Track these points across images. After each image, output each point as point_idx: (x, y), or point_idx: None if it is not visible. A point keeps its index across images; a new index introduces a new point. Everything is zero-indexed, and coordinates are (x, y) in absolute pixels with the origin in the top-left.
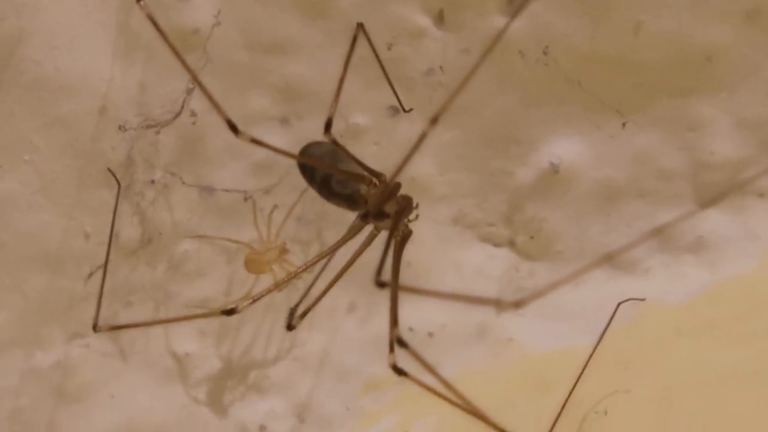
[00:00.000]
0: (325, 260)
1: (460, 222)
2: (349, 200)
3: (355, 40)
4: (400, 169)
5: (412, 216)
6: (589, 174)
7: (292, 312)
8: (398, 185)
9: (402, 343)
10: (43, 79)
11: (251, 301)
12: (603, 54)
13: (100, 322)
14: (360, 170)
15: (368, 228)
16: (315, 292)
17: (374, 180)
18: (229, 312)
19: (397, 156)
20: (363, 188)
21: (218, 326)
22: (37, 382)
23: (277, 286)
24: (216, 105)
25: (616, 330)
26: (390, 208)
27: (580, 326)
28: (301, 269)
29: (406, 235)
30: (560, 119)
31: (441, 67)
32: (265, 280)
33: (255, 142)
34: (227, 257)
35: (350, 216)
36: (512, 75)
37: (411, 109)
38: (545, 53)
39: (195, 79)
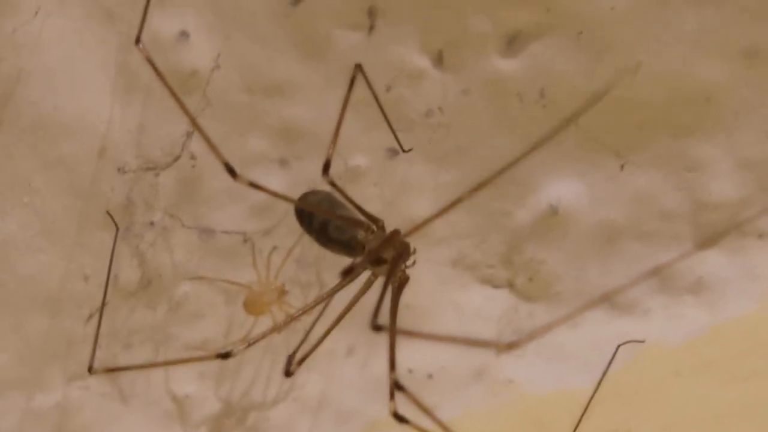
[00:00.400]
0: (323, 304)
1: (459, 263)
2: (346, 246)
3: (353, 81)
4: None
5: (409, 262)
6: (588, 215)
7: (290, 359)
8: (397, 231)
9: (400, 387)
10: (42, 120)
11: (247, 344)
12: (602, 94)
13: (97, 364)
14: (358, 216)
15: (367, 273)
16: (313, 336)
17: (372, 226)
18: (225, 356)
19: (396, 197)
20: (360, 234)
21: (217, 368)
22: (37, 424)
23: (276, 328)
24: (214, 148)
25: (615, 370)
26: (387, 254)
27: (579, 367)
28: (300, 312)
29: (404, 281)
30: (559, 160)
31: (440, 108)
32: (265, 322)
33: (253, 185)
34: (226, 299)
35: (349, 260)
36: (510, 116)
37: (410, 149)
38: (542, 95)
39: (193, 122)
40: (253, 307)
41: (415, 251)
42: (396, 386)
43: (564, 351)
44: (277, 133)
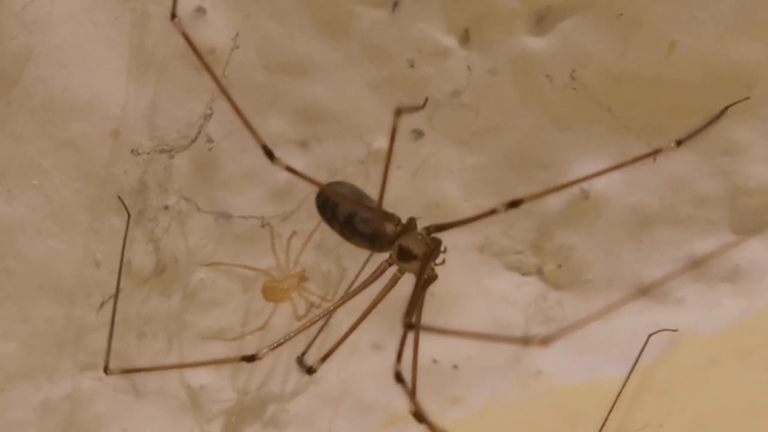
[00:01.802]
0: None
1: (486, 250)
2: (373, 240)
3: (394, 131)
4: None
5: (439, 260)
6: (620, 200)
7: (300, 359)
8: (428, 227)
9: (400, 379)
10: (53, 100)
11: (273, 347)
12: (634, 75)
13: (112, 362)
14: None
15: (392, 269)
16: (331, 331)
17: (401, 220)
18: (250, 359)
19: (420, 180)
20: (389, 228)
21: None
22: (46, 415)
23: (299, 318)
24: (251, 129)
25: (648, 361)
26: (418, 250)
27: (611, 358)
28: (325, 312)
29: (431, 279)
30: (590, 142)
31: (466, 88)
32: (284, 310)
33: (290, 170)
34: (244, 285)
35: (375, 255)
36: (539, 98)
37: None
38: (572, 77)
39: (233, 105)
40: (271, 293)
41: (445, 250)
42: (396, 377)
43: (595, 341)
44: (298, 113)
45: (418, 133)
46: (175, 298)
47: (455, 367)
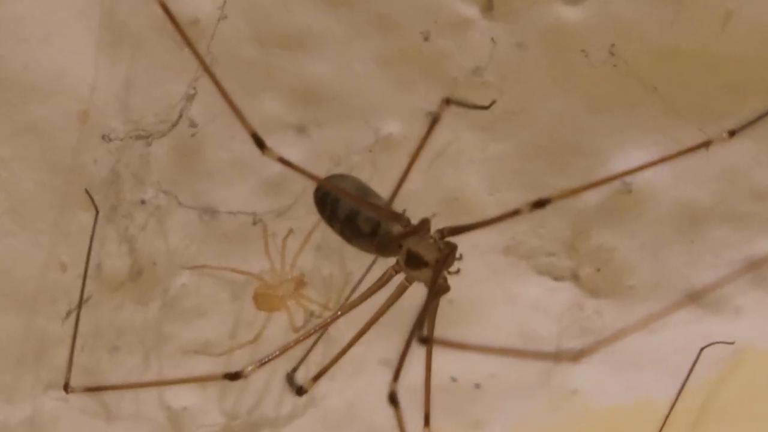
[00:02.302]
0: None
1: (513, 251)
2: (378, 242)
3: (434, 123)
4: None
5: (453, 268)
6: (667, 193)
7: (290, 376)
8: (442, 230)
9: (393, 401)
10: (12, 79)
11: (261, 363)
12: (683, 50)
13: (75, 381)
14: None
15: (398, 277)
16: (334, 344)
17: (411, 220)
18: (234, 376)
19: (436, 171)
20: (396, 229)
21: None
22: None
23: (294, 328)
24: (239, 114)
25: (700, 379)
26: (429, 255)
27: (658, 375)
28: (318, 327)
29: (442, 290)
30: (633, 128)
31: (490, 65)
32: (279, 320)
33: (283, 162)
34: (233, 292)
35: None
36: (574, 76)
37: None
38: (612, 52)
39: (217, 85)
40: (264, 301)
41: (461, 257)
42: (390, 399)
43: (639, 356)
44: (294, 94)
45: (434, 117)
46: (153, 306)
47: (477, 386)
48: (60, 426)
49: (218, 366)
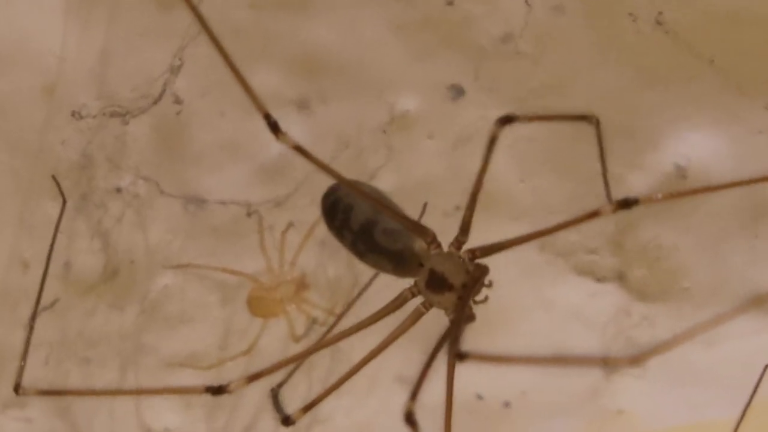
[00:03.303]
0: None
1: (548, 248)
2: (396, 258)
3: (492, 144)
4: None
5: (480, 296)
6: (728, 180)
7: (275, 393)
8: (473, 251)
9: (411, 421)
10: None
11: (251, 377)
12: (745, 15)
13: (27, 383)
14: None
15: (414, 301)
16: (341, 358)
17: (436, 237)
18: (217, 390)
19: (459, 155)
20: (419, 245)
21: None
22: None
23: (294, 337)
24: (250, 90)
25: (766, 398)
26: (455, 278)
27: (717, 393)
28: (324, 343)
29: (467, 320)
30: (688, 105)
31: (523, 32)
32: (277, 328)
33: (301, 152)
34: (223, 295)
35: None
36: (620, 44)
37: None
38: (660, 20)
39: (221, 51)
40: (260, 306)
41: (491, 284)
42: (407, 419)
43: (696, 370)
44: (295, 64)
45: (458, 91)
46: (131, 311)
47: (506, 404)
48: None
49: (206, 381)
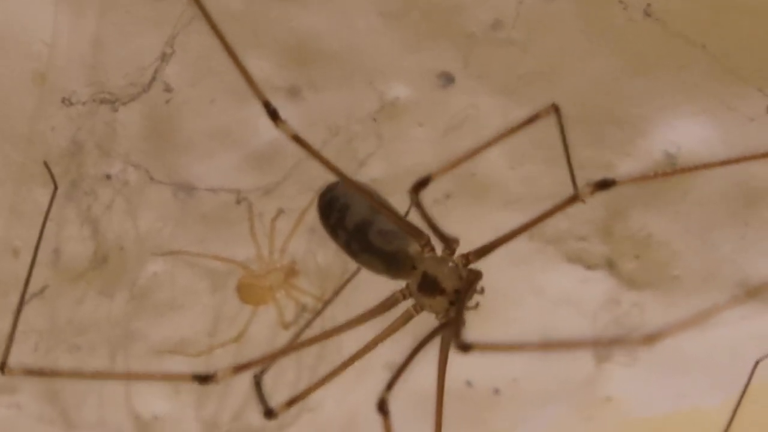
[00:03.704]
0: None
1: (538, 235)
2: (389, 260)
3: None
4: None
5: (472, 302)
6: (718, 169)
7: (257, 381)
8: (467, 255)
9: (383, 410)
10: None
11: (239, 367)
12: (737, 1)
13: (26, 382)
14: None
15: (405, 303)
16: (321, 349)
17: (430, 241)
18: (204, 379)
19: (450, 142)
20: (413, 248)
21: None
22: None
23: (284, 324)
24: (249, 78)
25: (757, 388)
26: (447, 283)
27: (706, 381)
28: (322, 334)
29: (456, 325)
30: (678, 92)
31: (513, 19)
32: (266, 315)
33: (298, 141)
34: (213, 283)
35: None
36: (610, 31)
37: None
38: (649, 9)
39: (220, 38)
40: (250, 293)
41: (483, 290)
42: (379, 407)
43: (684, 358)
44: (286, 51)
45: (448, 78)
46: (120, 298)
47: (496, 391)
48: None
49: (195, 368)
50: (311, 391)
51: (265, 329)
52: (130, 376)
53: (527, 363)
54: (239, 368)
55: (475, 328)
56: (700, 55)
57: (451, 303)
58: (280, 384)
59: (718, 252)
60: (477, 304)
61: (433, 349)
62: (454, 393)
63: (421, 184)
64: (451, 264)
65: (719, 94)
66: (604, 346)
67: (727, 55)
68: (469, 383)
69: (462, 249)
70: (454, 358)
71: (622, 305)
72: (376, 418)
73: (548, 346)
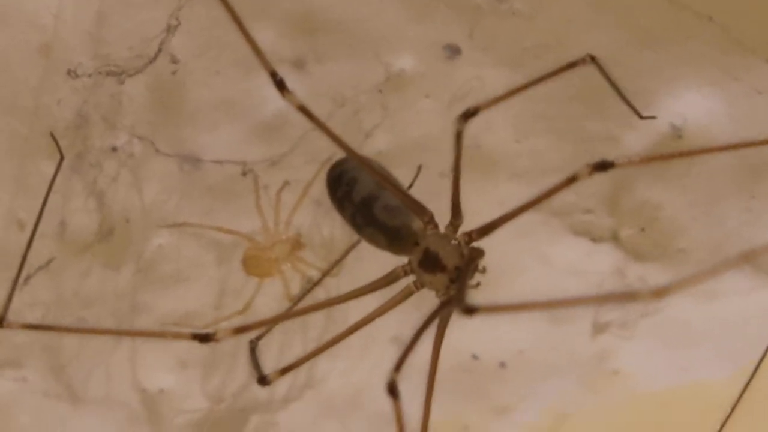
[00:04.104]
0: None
1: (544, 208)
2: (392, 235)
3: (459, 138)
4: None
5: (472, 281)
6: (724, 140)
7: (253, 347)
8: (470, 233)
9: (393, 392)
10: None
11: (238, 329)
12: None
13: (30, 355)
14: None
15: (406, 280)
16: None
17: (434, 218)
18: (204, 338)
19: (455, 113)
20: (416, 224)
21: (205, 352)
22: None
23: (291, 298)
24: (256, 47)
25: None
26: (449, 260)
27: (714, 354)
28: (322, 303)
29: (456, 303)
30: (684, 64)
31: None
32: (272, 287)
33: (305, 112)
34: (218, 255)
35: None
36: (617, 3)
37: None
38: None
39: (229, 10)
40: (255, 265)
41: (484, 269)
42: (389, 389)
43: (691, 330)
44: (291, 22)
45: (454, 50)
46: (126, 271)
47: (502, 365)
48: (18, 411)
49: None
50: (306, 360)
51: (271, 302)
52: (130, 334)
53: (533, 336)
54: (239, 330)
55: (481, 300)
56: (707, 27)
57: (452, 281)
58: (287, 356)
59: (724, 224)
60: (478, 284)
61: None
62: (460, 366)
63: (469, 114)
64: (453, 241)
65: (726, 66)
66: (612, 301)
67: (734, 27)
68: (475, 356)
69: (468, 222)
70: (461, 331)
71: (628, 278)
72: (381, 393)
73: (553, 304)
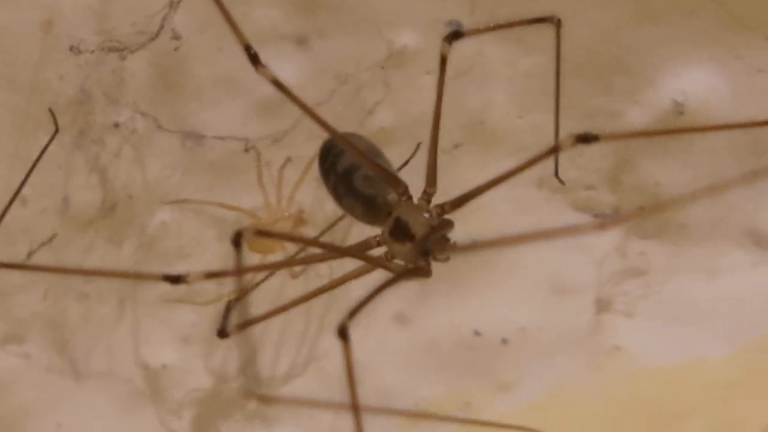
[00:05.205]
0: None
1: (546, 184)
2: (367, 203)
3: (444, 62)
4: None
5: (441, 255)
6: (726, 117)
7: (230, 307)
8: (442, 205)
9: (344, 335)
10: None
11: (210, 274)
12: None
13: (36, 331)
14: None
15: (378, 251)
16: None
17: (408, 190)
18: (175, 280)
19: (457, 90)
20: (392, 195)
21: (207, 330)
22: None
23: (292, 273)
24: (231, 21)
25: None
26: (417, 229)
27: (716, 331)
28: (298, 260)
29: (420, 274)
30: (687, 40)
31: None
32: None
33: (278, 86)
34: (220, 231)
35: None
36: None
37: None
38: None
39: None
40: (258, 242)
41: (455, 245)
42: (340, 333)
43: (692, 307)
44: None
45: (456, 26)
46: (128, 246)
47: (504, 341)
48: (21, 387)
49: (204, 317)
50: (266, 318)
51: (272, 278)
52: (104, 274)
53: (536, 312)
54: (211, 275)
55: (481, 276)
56: (709, 4)
57: (420, 253)
58: (288, 335)
59: (725, 200)
60: (447, 258)
61: (435, 296)
62: (463, 342)
63: (454, 36)
64: (425, 213)
65: (727, 42)
66: (564, 234)
67: (735, 5)
68: (477, 332)
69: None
70: (462, 308)
71: (629, 254)
72: (384, 369)
73: (530, 236)
